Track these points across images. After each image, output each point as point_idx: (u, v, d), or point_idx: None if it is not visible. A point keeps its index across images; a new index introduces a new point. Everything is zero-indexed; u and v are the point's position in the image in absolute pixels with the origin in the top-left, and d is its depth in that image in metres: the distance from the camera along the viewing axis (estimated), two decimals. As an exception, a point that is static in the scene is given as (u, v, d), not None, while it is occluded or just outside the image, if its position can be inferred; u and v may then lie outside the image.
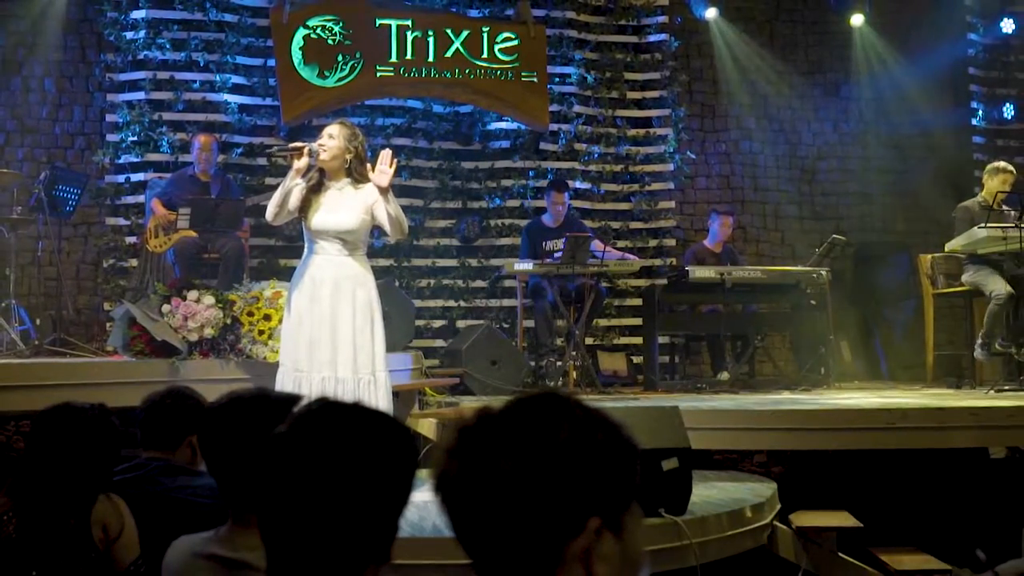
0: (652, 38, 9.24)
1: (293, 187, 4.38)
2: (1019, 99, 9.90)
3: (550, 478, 1.12)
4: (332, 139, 4.40)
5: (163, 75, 8.27)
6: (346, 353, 4.31)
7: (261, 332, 5.52)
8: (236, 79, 8.42)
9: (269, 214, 4.44)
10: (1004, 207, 7.00)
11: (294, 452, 1.34)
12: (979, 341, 6.90)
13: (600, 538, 1.14)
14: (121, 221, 8.19)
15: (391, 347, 4.84)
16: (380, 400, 4.33)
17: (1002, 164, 7.26)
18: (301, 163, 4.37)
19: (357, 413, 1.39)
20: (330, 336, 4.31)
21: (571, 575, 1.13)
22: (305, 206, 4.40)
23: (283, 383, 4.33)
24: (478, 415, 1.18)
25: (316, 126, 7.90)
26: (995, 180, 7.12)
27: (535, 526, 1.12)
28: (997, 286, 6.80)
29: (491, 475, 1.13)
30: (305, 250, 4.50)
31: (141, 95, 8.21)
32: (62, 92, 8.44)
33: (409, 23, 8.51)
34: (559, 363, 7.52)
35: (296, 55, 8.25)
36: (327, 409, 1.39)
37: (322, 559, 1.33)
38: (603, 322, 8.61)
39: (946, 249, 7.20)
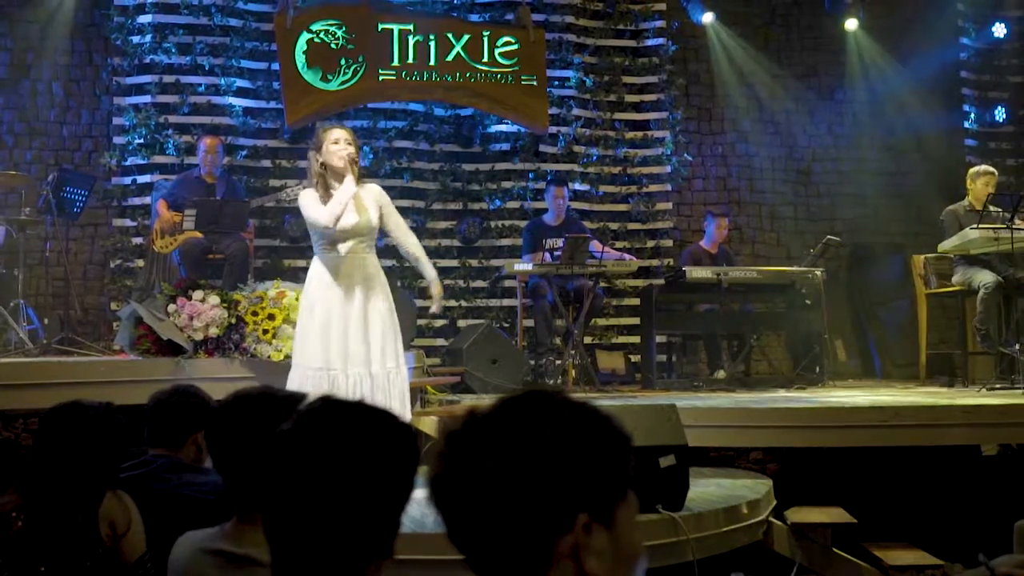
0: (650, 42, 9.28)
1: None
2: (1010, 102, 9.95)
3: (533, 476, 1.11)
4: (350, 144, 4.51)
5: (169, 79, 8.33)
6: (377, 349, 4.41)
7: (265, 331, 5.55)
8: (241, 83, 8.48)
9: (330, 218, 4.40)
10: (992, 208, 7.06)
11: (298, 449, 1.34)
12: (979, 329, 6.93)
13: (590, 533, 1.12)
14: (128, 222, 8.24)
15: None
16: (404, 391, 4.46)
17: (983, 167, 7.38)
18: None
19: (360, 411, 1.40)
20: (363, 333, 4.39)
21: (562, 572, 1.12)
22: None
23: (304, 383, 4.31)
24: (465, 416, 1.18)
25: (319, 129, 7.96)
26: (979, 183, 7.24)
27: (521, 524, 1.11)
28: (986, 278, 6.89)
29: (475, 475, 1.13)
30: (321, 250, 4.50)
31: (147, 98, 8.27)
32: (69, 95, 8.49)
33: (411, 27, 8.55)
34: (558, 362, 7.53)
35: (300, 59, 8.28)
36: (330, 407, 1.40)
37: (325, 555, 1.33)
38: (601, 321, 8.64)
39: (939, 250, 7.25)
